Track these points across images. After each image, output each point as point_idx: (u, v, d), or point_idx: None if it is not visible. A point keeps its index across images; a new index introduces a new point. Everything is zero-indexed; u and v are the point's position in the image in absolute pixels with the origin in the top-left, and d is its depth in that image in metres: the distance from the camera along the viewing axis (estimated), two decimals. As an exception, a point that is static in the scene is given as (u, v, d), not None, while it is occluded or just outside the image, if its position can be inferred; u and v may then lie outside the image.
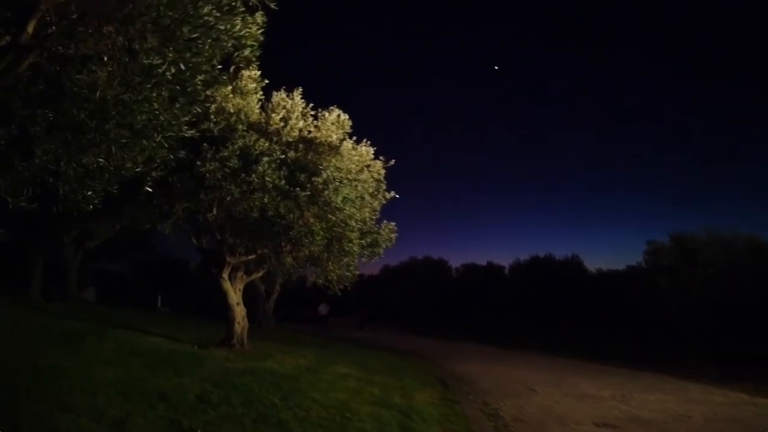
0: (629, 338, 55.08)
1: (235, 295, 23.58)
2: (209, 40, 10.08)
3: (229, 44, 10.88)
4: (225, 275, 23.29)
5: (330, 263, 23.04)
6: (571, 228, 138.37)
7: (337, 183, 20.93)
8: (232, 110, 20.68)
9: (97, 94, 9.85)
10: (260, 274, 25.50)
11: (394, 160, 24.43)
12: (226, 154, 19.37)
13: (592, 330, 63.58)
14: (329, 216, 21.28)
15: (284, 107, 22.40)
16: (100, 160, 10.53)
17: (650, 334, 53.63)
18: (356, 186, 22.04)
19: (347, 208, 21.34)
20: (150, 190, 11.73)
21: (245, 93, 21.08)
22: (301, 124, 21.91)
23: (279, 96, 22.42)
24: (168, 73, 9.95)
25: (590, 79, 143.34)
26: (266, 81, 21.39)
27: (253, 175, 19.63)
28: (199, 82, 10.69)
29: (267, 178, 19.83)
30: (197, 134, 20.49)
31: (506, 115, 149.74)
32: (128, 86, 10.13)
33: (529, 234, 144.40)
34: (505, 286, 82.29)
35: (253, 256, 23.19)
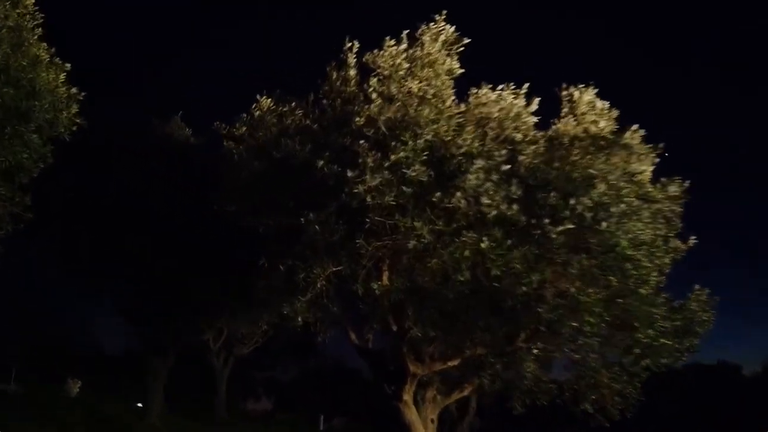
0: None
1: (426, 433, 13.16)
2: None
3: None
4: (407, 396, 13.07)
5: (604, 370, 12.08)
6: None
7: (623, 207, 10.34)
8: (413, 89, 11.09)
9: None
10: (465, 392, 14.85)
11: (688, 182, 13.17)
12: (401, 155, 9.68)
13: None
14: (608, 277, 10.63)
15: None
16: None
17: None
18: (656, 216, 11.21)
19: (642, 259, 10.59)
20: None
21: (428, 62, 11.48)
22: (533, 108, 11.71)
23: (483, 91, 12.26)
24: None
25: None
26: (465, 41, 11.71)
27: (458, 194, 9.70)
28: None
29: (484, 201, 9.80)
30: (344, 138, 11.29)
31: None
32: None
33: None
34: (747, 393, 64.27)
35: (455, 362, 12.77)
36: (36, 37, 10.78)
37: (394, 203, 9.96)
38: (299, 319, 11.21)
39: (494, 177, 10.04)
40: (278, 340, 36.06)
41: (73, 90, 11.01)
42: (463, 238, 9.87)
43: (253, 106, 11.64)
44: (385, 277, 11.24)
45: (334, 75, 11.91)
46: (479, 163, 9.88)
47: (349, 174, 9.58)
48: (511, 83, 11.90)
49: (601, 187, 10.09)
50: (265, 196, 11.45)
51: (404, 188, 9.79)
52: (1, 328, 39.38)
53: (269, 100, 11.77)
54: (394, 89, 11.28)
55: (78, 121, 11.20)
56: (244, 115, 11.71)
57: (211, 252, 17.39)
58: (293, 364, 57.18)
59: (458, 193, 9.67)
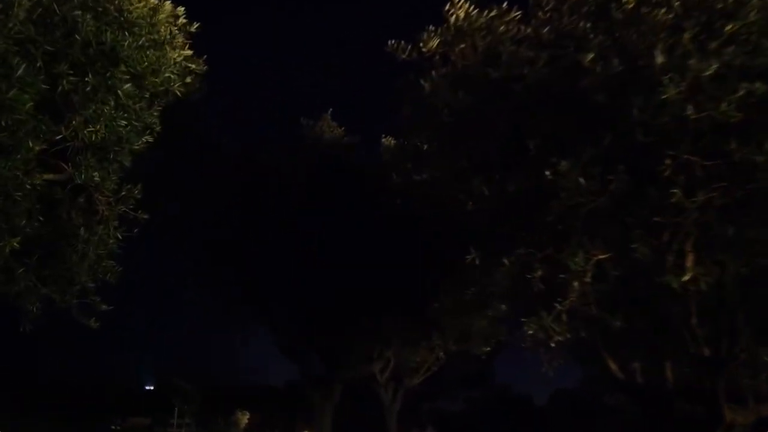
0: None
1: None
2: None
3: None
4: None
5: None
6: None
7: None
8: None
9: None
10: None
11: None
12: (752, 17, 5.07)
13: None
14: None
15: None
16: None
17: None
18: None
19: None
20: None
21: None
22: None
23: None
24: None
25: None
26: None
27: None
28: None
29: None
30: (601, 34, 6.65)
31: None
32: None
33: None
34: None
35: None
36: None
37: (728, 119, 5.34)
38: (552, 343, 6.73)
39: None
40: (452, 367, 31.81)
41: (183, 19, 7.35)
42: None
43: (446, 9, 7.40)
44: (690, 262, 6.55)
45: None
46: None
47: (659, 60, 5.04)
48: None
49: None
50: (475, 146, 7.17)
51: (756, 84, 5.15)
52: (165, 362, 38.50)
53: (467, 3, 7.52)
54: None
55: (192, 66, 7.55)
56: (432, 27, 7.53)
57: (384, 261, 13.35)
58: (461, 392, 52.83)
59: None
